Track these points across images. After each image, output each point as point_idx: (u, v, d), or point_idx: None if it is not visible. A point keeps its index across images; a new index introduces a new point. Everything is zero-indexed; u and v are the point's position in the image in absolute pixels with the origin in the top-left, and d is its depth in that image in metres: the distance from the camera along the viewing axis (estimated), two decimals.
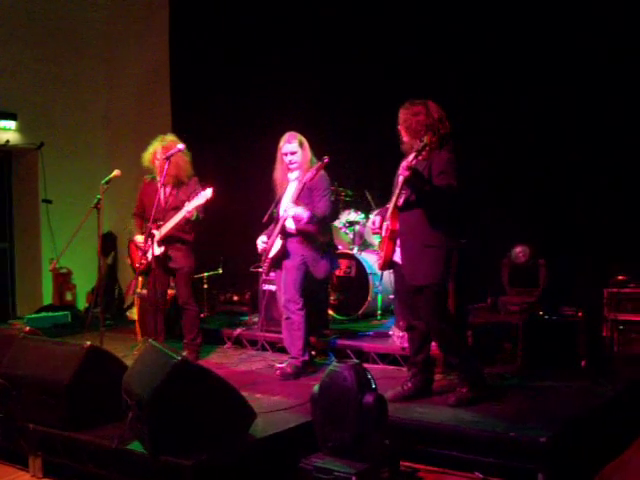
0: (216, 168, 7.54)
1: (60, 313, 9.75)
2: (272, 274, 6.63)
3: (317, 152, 6.39)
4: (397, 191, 5.16)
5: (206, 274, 8.72)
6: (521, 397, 5.43)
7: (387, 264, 5.30)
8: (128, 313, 9.39)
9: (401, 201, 5.18)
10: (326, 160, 6.11)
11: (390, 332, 7.09)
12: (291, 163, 6.27)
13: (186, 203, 6.44)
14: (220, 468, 4.26)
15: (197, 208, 6.44)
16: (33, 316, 9.52)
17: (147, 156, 6.74)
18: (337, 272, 8.11)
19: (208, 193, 6.38)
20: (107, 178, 6.70)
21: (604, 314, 6.85)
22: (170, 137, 6.77)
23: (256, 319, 7.85)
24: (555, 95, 7.65)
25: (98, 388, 4.85)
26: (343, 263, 8.16)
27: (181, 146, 6.54)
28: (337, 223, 8.40)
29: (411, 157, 5.01)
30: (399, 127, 5.32)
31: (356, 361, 4.53)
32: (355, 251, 8.20)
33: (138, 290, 7.90)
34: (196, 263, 6.95)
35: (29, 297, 10.62)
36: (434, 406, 5.19)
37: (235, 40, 9.95)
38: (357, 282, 8.07)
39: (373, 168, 8.83)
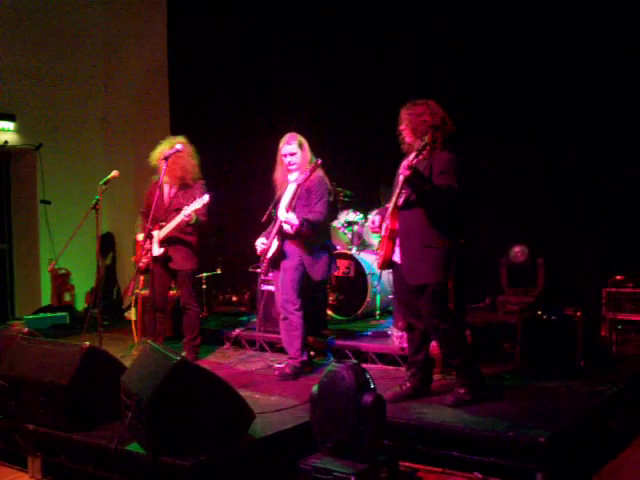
0: (215, 168, 7.53)
1: (59, 314, 9.75)
2: (270, 274, 6.63)
3: (317, 152, 6.39)
4: (397, 190, 5.17)
5: (205, 274, 8.72)
6: (520, 397, 5.42)
7: (386, 263, 5.30)
8: (126, 314, 9.40)
9: (401, 201, 5.18)
10: (319, 162, 6.12)
11: (389, 332, 7.09)
12: (290, 164, 6.27)
13: (185, 207, 6.45)
14: (219, 468, 4.26)
15: (196, 212, 6.44)
16: (32, 317, 9.52)
17: (155, 155, 6.72)
18: (336, 272, 8.10)
19: (205, 198, 6.39)
20: (105, 179, 6.70)
21: (603, 314, 6.87)
22: (180, 139, 6.76)
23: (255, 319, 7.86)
24: (554, 94, 7.66)
25: (97, 389, 4.84)
26: (342, 263, 8.16)
27: (179, 146, 6.55)
28: (336, 223, 8.40)
29: (412, 156, 5.02)
30: (401, 127, 5.31)
31: (355, 361, 4.53)
32: (354, 251, 8.21)
33: (136, 290, 7.90)
34: (198, 265, 6.95)
35: (28, 298, 10.62)
36: (433, 406, 5.18)
37: (234, 40, 9.95)
38: (356, 282, 8.08)
39: (373, 168, 8.84)
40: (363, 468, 4.08)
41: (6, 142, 10.08)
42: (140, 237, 6.76)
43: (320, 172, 6.28)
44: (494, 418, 4.84)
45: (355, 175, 8.89)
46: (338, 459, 4.18)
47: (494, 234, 7.79)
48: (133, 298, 7.97)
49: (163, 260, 6.74)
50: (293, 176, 6.28)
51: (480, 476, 4.56)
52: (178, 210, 6.57)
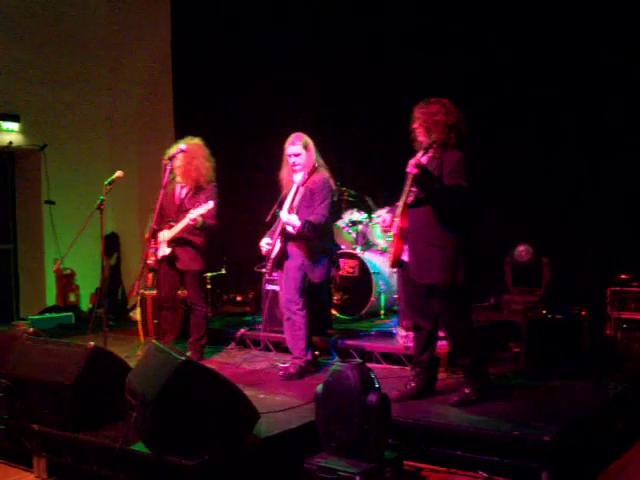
0: (220, 168, 7.53)
1: (64, 314, 9.77)
2: (275, 274, 6.64)
3: (322, 152, 6.39)
4: (407, 189, 5.15)
5: (209, 274, 8.73)
6: (524, 396, 5.42)
7: (397, 262, 5.29)
8: (131, 314, 9.40)
9: (410, 199, 5.17)
10: (316, 165, 6.14)
11: (393, 331, 7.10)
12: (295, 165, 6.27)
13: (191, 210, 6.46)
14: (223, 468, 4.27)
15: (203, 216, 6.46)
16: (37, 317, 9.53)
17: (168, 154, 6.73)
18: (340, 272, 8.11)
19: (210, 205, 6.40)
20: (110, 179, 6.71)
21: (607, 313, 6.85)
22: (195, 140, 6.76)
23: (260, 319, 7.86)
24: (557, 94, 7.65)
25: (102, 389, 4.85)
26: (346, 263, 8.16)
27: (183, 146, 6.55)
28: (340, 223, 8.40)
29: (419, 154, 5.01)
30: (414, 125, 5.30)
31: (359, 361, 4.54)
32: (358, 251, 8.20)
33: (141, 290, 7.92)
34: (205, 266, 6.96)
35: (33, 298, 10.64)
36: (438, 405, 5.19)
37: (238, 40, 9.95)
38: (360, 282, 8.07)
39: (377, 168, 8.84)
40: (368, 467, 4.09)
41: (11, 143, 10.10)
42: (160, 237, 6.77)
43: (325, 173, 6.28)
44: (499, 417, 4.84)
45: (359, 174, 8.87)
46: (343, 458, 4.18)
47: (498, 233, 7.78)
48: (138, 298, 7.98)
49: (170, 260, 6.76)
50: (298, 177, 6.27)
51: (485, 475, 4.56)
52: (188, 211, 6.59)
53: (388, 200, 8.19)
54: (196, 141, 6.76)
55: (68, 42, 10.71)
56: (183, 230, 6.63)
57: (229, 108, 10.05)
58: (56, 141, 10.46)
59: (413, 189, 5.13)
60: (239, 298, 9.06)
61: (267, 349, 7.40)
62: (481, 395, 5.20)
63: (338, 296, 8.15)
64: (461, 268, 5.11)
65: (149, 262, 6.74)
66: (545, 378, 5.85)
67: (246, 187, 9.53)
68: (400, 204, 5.20)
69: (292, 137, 6.29)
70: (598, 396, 5.32)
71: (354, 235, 8.38)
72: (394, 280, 7.72)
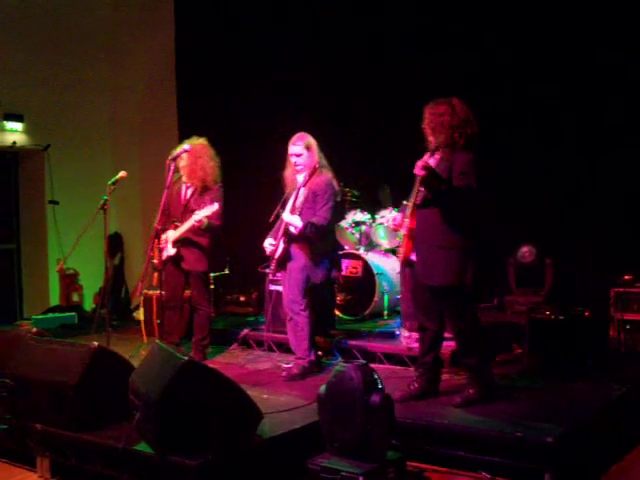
0: (223, 168, 7.53)
1: (67, 314, 9.77)
2: (279, 275, 6.64)
3: (325, 152, 6.38)
4: (415, 189, 5.15)
5: (213, 275, 8.72)
6: (527, 397, 5.42)
7: (406, 261, 5.29)
8: (135, 314, 9.40)
9: (419, 200, 5.17)
10: (317, 166, 6.14)
11: (397, 332, 7.10)
12: (296, 165, 6.27)
13: (196, 211, 6.47)
14: (226, 468, 4.27)
15: (208, 217, 6.47)
16: (40, 317, 9.54)
17: (172, 154, 6.73)
18: (344, 272, 8.11)
19: (215, 207, 6.41)
20: (113, 179, 6.71)
21: (611, 314, 6.85)
22: (200, 140, 6.78)
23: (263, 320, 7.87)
24: (557, 94, 7.65)
25: (105, 389, 4.86)
26: (350, 263, 8.16)
27: (187, 147, 6.57)
28: (343, 223, 8.40)
29: (426, 156, 5.01)
30: (423, 125, 5.30)
31: (363, 361, 4.53)
32: (362, 251, 8.20)
33: (145, 290, 7.92)
34: (210, 266, 6.99)
35: (36, 298, 10.65)
36: (441, 406, 5.19)
37: (241, 41, 9.95)
38: (364, 282, 8.06)
39: (381, 168, 8.85)
40: (371, 468, 4.09)
41: (14, 143, 10.11)
42: (163, 237, 6.77)
43: (328, 174, 6.27)
44: (502, 418, 4.84)
45: (363, 175, 8.87)
46: (346, 459, 4.18)
47: (502, 234, 7.78)
48: (141, 298, 7.99)
49: (176, 260, 6.78)
50: (301, 177, 6.28)
51: (487, 476, 4.56)
52: (193, 212, 6.61)
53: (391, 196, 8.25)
54: (201, 141, 6.78)
55: (71, 43, 10.71)
56: (188, 231, 6.65)
57: (231, 108, 10.05)
58: (60, 141, 10.47)
59: (422, 189, 5.13)
60: (242, 298, 9.06)
61: (270, 349, 7.39)
62: (484, 396, 5.20)
63: (341, 296, 8.15)
64: (469, 269, 5.11)
65: (155, 262, 6.75)
66: (548, 379, 5.86)
67: (249, 187, 9.53)
68: (409, 204, 5.20)
69: (295, 137, 6.29)
70: (601, 397, 5.32)
71: (357, 236, 8.37)
72: (397, 281, 7.71)
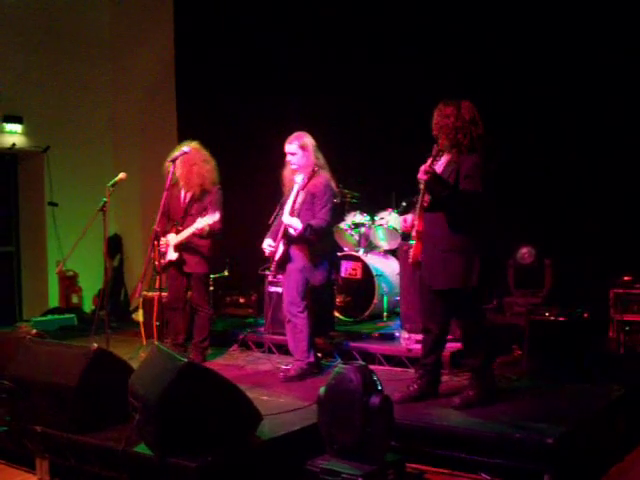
0: (222, 169, 7.53)
1: (66, 316, 9.77)
2: (279, 276, 6.64)
3: (324, 153, 6.37)
4: (422, 192, 5.14)
5: (212, 276, 8.72)
6: (527, 398, 5.43)
7: (415, 264, 5.29)
8: (134, 315, 9.40)
9: (426, 202, 5.16)
10: (315, 169, 6.13)
11: (396, 334, 7.10)
12: (291, 164, 6.26)
13: (198, 219, 6.48)
14: (226, 470, 4.27)
15: (208, 225, 6.48)
16: (40, 319, 9.53)
17: (171, 156, 6.73)
18: (343, 274, 8.11)
19: (216, 216, 6.43)
20: (113, 181, 6.71)
21: (610, 315, 6.85)
22: (193, 144, 6.77)
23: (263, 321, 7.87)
24: (557, 94, 7.65)
25: (104, 390, 4.85)
26: (349, 265, 8.16)
27: (186, 149, 6.57)
28: (343, 225, 8.39)
29: (429, 161, 5.00)
30: (432, 127, 5.28)
31: (362, 363, 4.53)
32: (361, 253, 8.20)
33: (144, 292, 7.92)
34: (211, 269, 7.02)
35: (35, 300, 10.65)
36: (440, 408, 5.18)
37: (240, 41, 9.96)
38: (363, 284, 8.06)
39: (381, 169, 8.85)
40: (370, 470, 4.09)
41: (14, 144, 10.11)
42: (162, 240, 6.77)
43: (326, 175, 6.26)
44: (501, 420, 4.84)
45: (362, 176, 8.87)
46: (345, 461, 4.18)
47: (501, 235, 7.78)
48: (141, 300, 7.99)
49: (177, 263, 6.82)
50: (299, 177, 6.27)
51: (487, 477, 4.55)
52: (194, 215, 6.62)
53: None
54: (194, 145, 6.76)
55: (71, 44, 10.73)
56: (189, 236, 6.66)
57: (231, 109, 10.05)
58: (59, 143, 10.47)
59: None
60: (242, 300, 9.06)
61: (270, 351, 7.39)
62: (484, 398, 5.20)
63: (341, 298, 8.15)
64: (475, 272, 5.10)
65: (155, 264, 6.76)
66: (548, 380, 5.86)
67: (248, 188, 9.52)
68: (417, 207, 5.20)
69: (291, 136, 6.28)
70: (600, 399, 5.32)
71: (357, 237, 8.37)
72: (396, 282, 7.71)
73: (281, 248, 6.26)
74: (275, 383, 6.16)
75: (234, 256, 9.10)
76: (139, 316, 8.05)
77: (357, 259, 8.15)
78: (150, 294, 7.90)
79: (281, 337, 7.11)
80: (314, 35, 9.27)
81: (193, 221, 6.61)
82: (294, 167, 6.26)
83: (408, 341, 6.61)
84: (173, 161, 6.50)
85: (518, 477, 4.46)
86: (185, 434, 4.20)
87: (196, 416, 4.23)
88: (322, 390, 4.39)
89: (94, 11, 11.16)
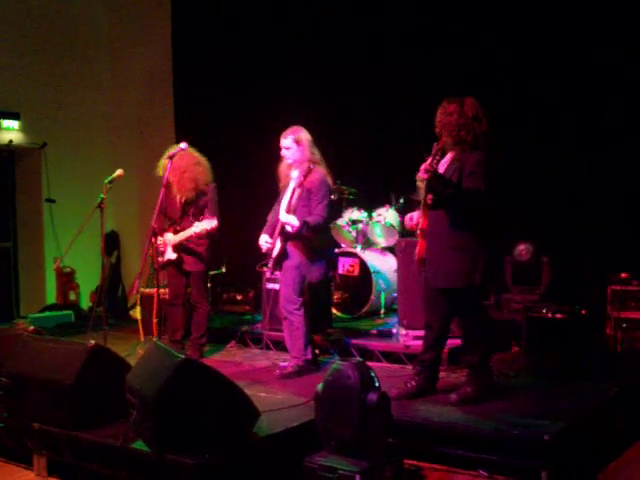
0: (219, 166, 7.51)
1: (64, 312, 9.76)
2: (277, 273, 6.63)
3: (322, 150, 6.36)
4: (425, 190, 5.14)
5: (210, 273, 8.71)
6: (525, 395, 5.43)
7: (420, 261, 5.28)
8: (131, 312, 9.39)
9: (429, 200, 5.15)
10: (312, 166, 6.11)
11: (394, 330, 7.10)
12: (286, 158, 6.25)
13: (196, 223, 6.48)
14: (223, 466, 4.27)
15: (206, 230, 6.49)
16: (37, 315, 9.53)
17: (169, 153, 6.70)
18: (340, 271, 8.12)
19: (214, 223, 6.43)
20: (110, 177, 6.70)
21: (607, 312, 6.85)
22: (179, 150, 6.67)
23: (260, 317, 7.88)
24: (557, 94, 7.65)
25: (102, 387, 4.86)
26: (346, 261, 8.16)
27: (183, 145, 6.54)
28: (340, 221, 8.39)
29: (429, 159, 5.00)
30: (435, 125, 5.26)
31: (360, 359, 4.54)
32: (358, 249, 8.20)
33: (141, 289, 7.93)
34: (209, 266, 7.04)
35: (33, 296, 10.64)
36: (438, 404, 5.19)
37: (238, 38, 9.95)
38: (360, 280, 8.07)
39: (378, 166, 8.86)
40: (368, 466, 4.09)
41: (11, 141, 10.09)
42: (160, 240, 6.76)
43: (322, 170, 6.23)
44: (499, 416, 4.84)
45: (360, 173, 8.88)
46: (343, 457, 4.19)
47: (501, 233, 7.78)
48: (138, 296, 7.98)
49: (177, 262, 6.85)
50: (295, 173, 6.24)
51: (485, 474, 4.56)
52: (191, 215, 6.66)
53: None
54: (180, 151, 6.59)
55: (69, 40, 10.70)
56: (187, 238, 6.67)
57: (228, 106, 10.04)
58: (56, 139, 10.45)
59: None
60: (239, 297, 9.05)
61: (268, 348, 7.40)
62: (481, 394, 5.20)
63: (338, 295, 8.15)
64: (479, 270, 5.09)
65: (161, 259, 6.78)
66: (545, 377, 5.87)
67: (245, 185, 9.52)
68: (421, 204, 5.20)
69: (287, 130, 6.25)
70: (598, 395, 5.32)
71: (354, 234, 8.37)
72: (394, 279, 7.71)
73: (278, 245, 6.25)
74: (272, 380, 6.16)
75: (231, 253, 9.10)
76: (136, 313, 8.06)
77: (354, 256, 8.15)
78: (147, 290, 7.90)
79: (279, 334, 7.10)
80: (312, 33, 9.26)
81: (190, 222, 6.63)
82: (289, 162, 6.25)
83: (406, 338, 6.61)
84: (170, 157, 6.48)
85: (516, 474, 4.46)
86: (183, 431, 4.20)
87: (194, 413, 4.23)
88: (319, 387, 4.39)
89: (92, 8, 11.13)
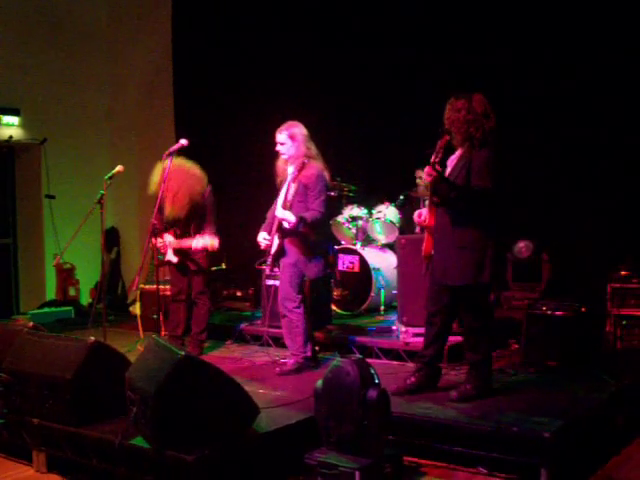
0: (219, 163, 7.52)
1: (63, 308, 9.77)
2: (277, 270, 6.62)
3: (322, 146, 6.35)
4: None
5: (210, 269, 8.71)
6: (524, 392, 5.43)
7: (427, 258, 5.27)
8: (131, 308, 9.41)
9: (436, 198, 5.15)
10: (306, 161, 6.09)
11: (393, 327, 7.10)
12: (281, 153, 6.23)
13: (197, 238, 6.49)
14: (223, 463, 4.27)
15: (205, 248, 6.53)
16: (37, 311, 9.54)
17: (153, 181, 6.68)
18: (340, 267, 8.11)
19: (215, 243, 6.45)
20: (110, 174, 6.70)
21: (607, 309, 6.85)
22: (167, 169, 6.47)
23: (260, 314, 7.88)
24: (556, 93, 7.65)
25: (102, 383, 4.85)
26: (346, 258, 8.16)
27: (184, 141, 6.52)
28: (340, 218, 8.39)
29: (432, 157, 4.99)
30: (444, 121, 5.24)
31: (359, 356, 4.53)
32: (358, 246, 8.20)
33: (141, 285, 7.93)
34: (209, 264, 7.04)
35: (32, 292, 10.64)
36: (438, 401, 5.18)
37: (238, 36, 9.95)
38: (360, 277, 8.07)
39: (378, 163, 8.86)
40: (367, 463, 4.09)
41: (11, 137, 10.09)
42: (160, 242, 6.75)
43: (318, 165, 6.17)
44: (498, 413, 4.84)
45: (360, 170, 8.87)
46: (343, 454, 4.18)
47: (498, 229, 7.78)
48: (138, 292, 7.98)
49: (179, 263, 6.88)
50: (290, 168, 6.23)
51: (484, 471, 4.56)
52: (191, 221, 6.66)
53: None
54: (174, 165, 6.49)
55: (68, 36, 10.70)
56: (187, 247, 6.68)
57: (228, 103, 10.04)
58: (56, 135, 10.45)
59: None
60: (239, 293, 9.06)
61: (267, 344, 7.39)
62: (481, 391, 5.20)
63: (338, 292, 8.15)
64: (487, 269, 5.08)
65: (168, 259, 6.80)
66: (544, 374, 5.86)
67: (245, 181, 9.52)
68: (428, 202, 5.18)
69: (282, 125, 6.23)
70: (597, 392, 5.32)
71: (354, 231, 8.37)
72: (394, 276, 7.71)
73: (276, 242, 6.23)
74: (272, 376, 6.16)
75: (232, 249, 9.10)
76: (136, 309, 8.06)
77: (354, 253, 8.15)
78: (147, 287, 7.90)
79: (279, 330, 7.09)
80: (312, 31, 9.26)
81: (189, 228, 6.68)
82: (284, 157, 6.23)
83: (405, 335, 6.61)
84: (170, 154, 6.46)
85: (516, 471, 4.46)
86: (182, 427, 4.20)
87: (193, 409, 4.23)
88: (319, 383, 4.39)
89: (93, 5, 11.13)
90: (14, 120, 10.10)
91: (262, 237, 6.31)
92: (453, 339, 6.01)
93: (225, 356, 7.09)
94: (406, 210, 8.07)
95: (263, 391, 5.56)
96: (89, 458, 4.64)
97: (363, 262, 8.06)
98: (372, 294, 7.93)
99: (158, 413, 4.17)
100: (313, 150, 6.24)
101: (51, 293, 10.46)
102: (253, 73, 9.77)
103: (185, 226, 6.73)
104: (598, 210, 7.46)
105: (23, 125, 10.23)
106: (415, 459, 4.76)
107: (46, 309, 9.74)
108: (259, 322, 7.73)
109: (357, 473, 4.00)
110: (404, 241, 6.91)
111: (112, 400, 4.77)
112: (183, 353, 4.31)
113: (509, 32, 7.88)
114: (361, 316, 8.00)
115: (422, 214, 5.37)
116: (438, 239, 5.19)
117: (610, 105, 7.38)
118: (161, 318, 7.13)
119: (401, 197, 8.27)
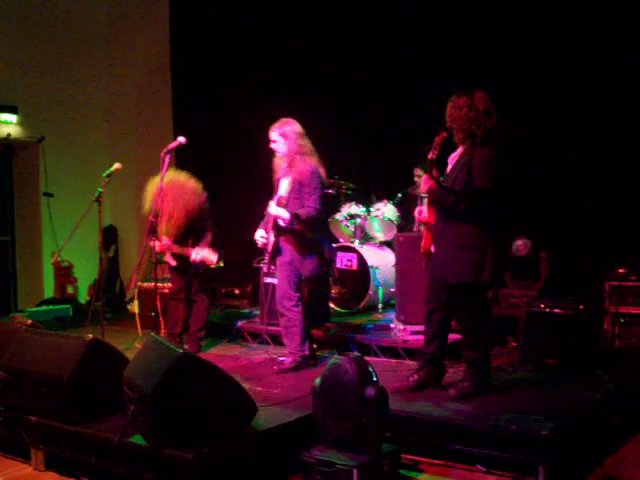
0: (217, 161, 7.50)
1: (61, 306, 9.76)
2: (274, 267, 6.61)
3: (320, 144, 6.34)
4: None
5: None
6: (522, 390, 5.43)
7: (426, 255, 5.27)
8: (129, 306, 9.40)
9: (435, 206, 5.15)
10: (297, 158, 6.07)
11: (391, 325, 7.10)
12: (275, 151, 6.23)
13: (196, 249, 6.55)
14: (221, 461, 4.27)
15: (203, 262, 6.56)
16: (35, 309, 9.53)
17: (148, 197, 6.68)
18: (338, 265, 8.11)
19: (214, 259, 6.52)
20: (108, 171, 6.69)
21: (605, 307, 6.85)
22: (161, 189, 6.44)
23: (258, 312, 7.88)
24: (557, 93, 7.65)
25: (100, 381, 4.85)
26: (344, 256, 8.16)
27: (182, 139, 6.51)
28: (338, 216, 8.39)
29: (430, 153, 4.98)
30: (446, 119, 5.24)
31: (357, 354, 4.53)
32: (356, 244, 8.20)
33: (139, 283, 7.92)
34: (207, 268, 7.02)
35: (30, 290, 10.64)
36: (436, 399, 5.18)
37: (236, 32, 9.94)
38: (358, 275, 8.07)
39: (377, 160, 8.85)
40: (365, 461, 4.09)
41: (9, 135, 10.08)
42: (157, 244, 6.75)
43: (312, 161, 6.14)
44: (497, 411, 4.84)
45: (358, 167, 8.87)
46: (341, 451, 4.19)
47: (499, 229, 7.79)
48: (136, 290, 7.98)
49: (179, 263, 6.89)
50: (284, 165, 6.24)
51: (482, 469, 4.56)
52: (192, 227, 6.67)
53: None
54: (167, 181, 6.50)
55: (67, 34, 10.68)
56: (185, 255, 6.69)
57: (226, 100, 10.03)
58: (54, 133, 10.44)
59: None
60: (237, 291, 9.05)
61: (265, 342, 7.39)
62: (479, 390, 5.20)
63: (336, 290, 8.15)
64: (487, 267, 5.08)
65: (166, 260, 6.80)
66: (542, 372, 5.86)
67: (242, 179, 9.51)
68: (426, 199, 5.18)
69: (276, 123, 6.21)
70: (595, 390, 5.32)
71: (352, 228, 8.36)
72: (392, 274, 7.71)
73: (272, 240, 6.21)
74: (270, 374, 6.16)
75: (228, 247, 9.08)
76: (134, 307, 8.05)
77: (353, 250, 8.14)
78: (145, 284, 7.90)
79: (277, 328, 7.09)
80: (312, 30, 9.26)
81: (188, 240, 6.69)
82: (278, 154, 6.23)
83: (403, 332, 6.61)
84: (169, 152, 6.46)
85: (513, 469, 4.46)
86: (180, 425, 4.20)
87: (191, 407, 4.23)
88: (317, 381, 4.40)
89: (92, 3, 11.11)
90: (12, 118, 10.09)
91: (259, 235, 6.30)
92: (452, 337, 5.99)
93: (223, 354, 7.09)
94: (404, 208, 8.08)
95: (261, 389, 5.56)
96: (87, 456, 4.63)
97: (361, 260, 8.06)
98: (370, 292, 7.93)
99: (156, 411, 4.17)
100: (307, 147, 6.20)
101: (49, 291, 10.46)
102: (252, 72, 9.76)
103: (183, 237, 6.71)
104: (596, 208, 7.47)
105: (21, 123, 10.22)
106: (413, 456, 4.76)
107: (44, 307, 9.74)
108: (257, 320, 7.73)
109: (355, 471, 4.01)
110: (402, 239, 6.91)
111: (110, 398, 4.77)
112: (181, 351, 4.32)
113: (509, 32, 7.88)
114: (359, 314, 7.99)
115: (422, 211, 5.38)
116: (438, 236, 5.20)
117: (610, 105, 7.38)
118: (160, 316, 7.13)
119: (399, 195, 8.27)
